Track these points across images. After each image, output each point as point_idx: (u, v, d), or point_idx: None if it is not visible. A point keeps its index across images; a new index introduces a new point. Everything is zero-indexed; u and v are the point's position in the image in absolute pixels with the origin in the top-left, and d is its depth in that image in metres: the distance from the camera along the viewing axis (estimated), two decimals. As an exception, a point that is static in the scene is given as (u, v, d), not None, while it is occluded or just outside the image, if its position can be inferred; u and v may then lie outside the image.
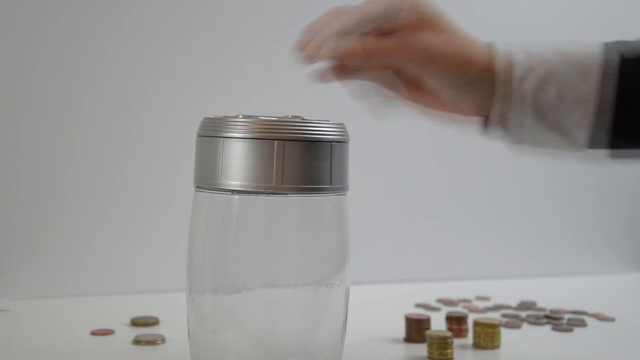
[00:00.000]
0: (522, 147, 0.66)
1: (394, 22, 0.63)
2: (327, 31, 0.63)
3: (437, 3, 0.65)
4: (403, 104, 0.70)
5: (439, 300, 0.96)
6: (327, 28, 0.63)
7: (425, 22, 0.63)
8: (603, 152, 0.65)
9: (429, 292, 1.00)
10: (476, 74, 0.63)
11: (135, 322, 0.80)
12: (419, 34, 0.62)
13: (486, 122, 0.67)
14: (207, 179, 0.57)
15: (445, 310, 0.92)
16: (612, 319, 0.89)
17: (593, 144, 0.64)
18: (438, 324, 0.80)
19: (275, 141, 0.55)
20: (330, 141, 0.57)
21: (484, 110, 0.65)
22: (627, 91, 0.62)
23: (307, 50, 0.62)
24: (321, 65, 0.64)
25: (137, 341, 0.73)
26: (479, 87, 0.64)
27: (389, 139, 1.12)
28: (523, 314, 0.91)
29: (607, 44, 0.63)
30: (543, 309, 0.93)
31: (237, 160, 0.56)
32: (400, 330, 0.78)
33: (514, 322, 0.85)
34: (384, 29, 0.63)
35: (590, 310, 0.92)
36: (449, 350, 0.70)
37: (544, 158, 0.69)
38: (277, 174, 0.55)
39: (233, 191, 0.56)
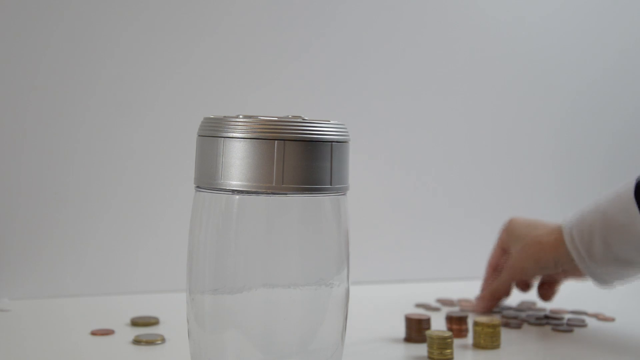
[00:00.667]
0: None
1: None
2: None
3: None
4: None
5: (439, 300, 0.96)
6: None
7: (513, 251, 0.91)
8: None
9: (429, 292, 1.00)
10: (554, 263, 0.87)
11: (135, 322, 0.80)
12: (511, 265, 0.90)
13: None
14: (207, 178, 0.57)
15: (445, 310, 0.92)
16: (612, 319, 0.89)
17: None
18: (438, 324, 0.80)
19: (276, 141, 0.55)
20: (331, 141, 0.57)
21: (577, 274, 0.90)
22: None
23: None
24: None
25: (137, 341, 0.73)
26: (564, 267, 0.87)
27: (389, 139, 1.12)
28: (523, 314, 0.91)
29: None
30: (543, 309, 0.93)
31: (238, 160, 0.56)
32: (400, 330, 0.78)
33: (514, 322, 0.85)
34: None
35: (590, 310, 0.92)
36: (449, 350, 0.70)
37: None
38: (277, 174, 0.55)
39: (233, 191, 0.56)
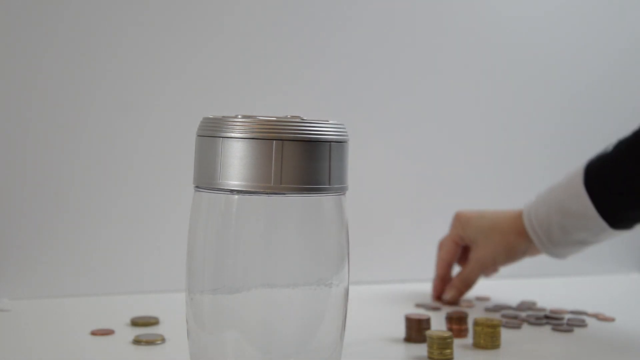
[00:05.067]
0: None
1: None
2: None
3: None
4: None
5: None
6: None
7: (472, 237, 0.96)
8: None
9: (429, 292, 1.00)
10: (521, 249, 0.94)
11: (135, 322, 0.80)
12: (476, 259, 0.96)
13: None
14: (207, 178, 0.57)
15: (445, 310, 0.92)
16: (612, 319, 0.89)
17: (616, 229, 0.89)
18: (438, 324, 0.80)
19: (274, 141, 0.55)
20: (329, 141, 0.57)
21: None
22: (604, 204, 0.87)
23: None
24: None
25: (137, 341, 0.74)
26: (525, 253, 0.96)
27: (389, 139, 1.12)
28: (523, 314, 0.91)
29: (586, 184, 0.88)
30: (543, 309, 0.93)
31: (236, 160, 0.56)
32: (400, 330, 0.78)
33: (514, 322, 0.85)
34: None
35: (590, 310, 0.92)
36: (449, 350, 0.70)
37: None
38: (276, 174, 0.55)
39: (232, 191, 0.56)
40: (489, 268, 0.97)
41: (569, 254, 0.94)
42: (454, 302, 0.95)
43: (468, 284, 0.96)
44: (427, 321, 0.77)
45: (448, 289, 0.96)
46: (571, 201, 0.88)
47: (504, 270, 1.00)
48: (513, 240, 0.94)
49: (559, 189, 0.90)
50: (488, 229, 0.95)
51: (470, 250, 0.97)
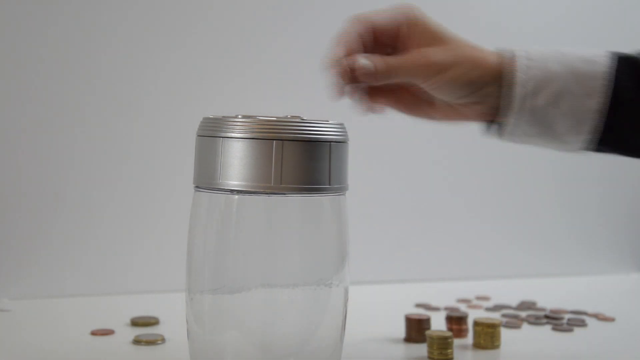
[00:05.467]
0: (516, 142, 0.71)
1: (395, 35, 0.69)
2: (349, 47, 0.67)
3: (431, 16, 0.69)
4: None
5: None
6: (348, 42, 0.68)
7: (428, 38, 0.68)
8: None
9: (429, 292, 1.00)
10: (484, 80, 0.68)
11: (135, 322, 0.80)
12: (424, 50, 0.67)
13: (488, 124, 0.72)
14: (207, 178, 0.57)
15: (445, 310, 0.92)
16: (612, 319, 0.89)
17: (583, 149, 0.70)
18: (438, 324, 0.80)
19: (274, 141, 0.55)
20: (329, 141, 0.57)
21: (489, 117, 0.70)
22: (619, 106, 0.67)
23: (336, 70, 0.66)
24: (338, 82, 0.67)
25: (137, 341, 0.74)
26: (485, 96, 0.68)
27: (389, 139, 1.12)
28: (523, 314, 0.91)
29: (612, 59, 0.68)
30: (543, 309, 0.93)
31: (236, 160, 0.56)
32: (400, 330, 0.78)
33: (514, 322, 0.85)
34: (386, 43, 0.69)
35: (590, 310, 0.92)
36: (449, 350, 0.70)
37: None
38: (276, 174, 0.55)
39: (232, 191, 0.56)
40: (427, 81, 0.67)
41: (518, 138, 0.70)
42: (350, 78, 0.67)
43: (390, 72, 0.67)
44: (427, 321, 0.77)
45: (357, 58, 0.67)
46: (588, 79, 0.67)
47: (504, 270, 0.99)
48: (488, 67, 0.68)
49: (577, 61, 0.68)
50: (456, 40, 0.68)
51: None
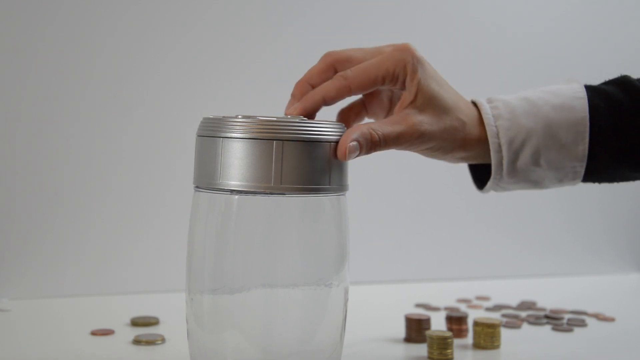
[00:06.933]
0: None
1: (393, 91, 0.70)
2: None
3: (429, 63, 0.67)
4: None
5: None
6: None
7: (424, 102, 0.64)
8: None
9: (429, 292, 1.00)
10: (470, 154, 0.70)
11: (135, 322, 0.80)
12: (419, 117, 0.64)
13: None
14: (207, 179, 0.57)
15: (445, 310, 0.92)
16: (612, 319, 0.89)
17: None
18: (438, 324, 0.80)
19: (274, 141, 0.55)
20: (329, 141, 0.57)
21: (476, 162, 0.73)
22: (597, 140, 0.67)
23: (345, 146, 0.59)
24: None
25: (137, 341, 0.74)
26: (473, 158, 0.72)
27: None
28: (523, 314, 0.91)
29: (583, 97, 0.68)
30: (543, 309, 0.93)
31: (236, 160, 0.56)
32: (400, 330, 0.78)
33: (514, 322, 0.85)
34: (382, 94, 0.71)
35: (590, 310, 0.92)
36: (449, 350, 0.70)
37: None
38: (276, 174, 0.55)
39: (232, 191, 0.56)
40: (418, 143, 0.64)
41: (504, 190, 0.72)
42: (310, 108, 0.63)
43: (354, 83, 0.65)
44: (427, 321, 0.77)
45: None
46: (565, 130, 0.66)
47: (504, 270, 0.99)
48: (471, 141, 0.68)
49: (549, 110, 0.67)
50: (451, 108, 0.66)
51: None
